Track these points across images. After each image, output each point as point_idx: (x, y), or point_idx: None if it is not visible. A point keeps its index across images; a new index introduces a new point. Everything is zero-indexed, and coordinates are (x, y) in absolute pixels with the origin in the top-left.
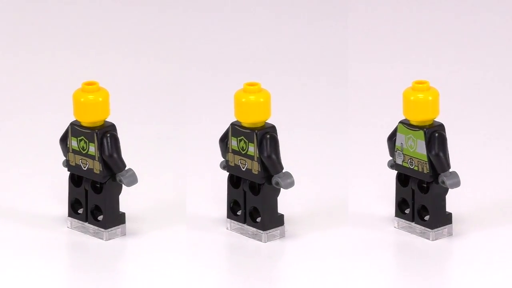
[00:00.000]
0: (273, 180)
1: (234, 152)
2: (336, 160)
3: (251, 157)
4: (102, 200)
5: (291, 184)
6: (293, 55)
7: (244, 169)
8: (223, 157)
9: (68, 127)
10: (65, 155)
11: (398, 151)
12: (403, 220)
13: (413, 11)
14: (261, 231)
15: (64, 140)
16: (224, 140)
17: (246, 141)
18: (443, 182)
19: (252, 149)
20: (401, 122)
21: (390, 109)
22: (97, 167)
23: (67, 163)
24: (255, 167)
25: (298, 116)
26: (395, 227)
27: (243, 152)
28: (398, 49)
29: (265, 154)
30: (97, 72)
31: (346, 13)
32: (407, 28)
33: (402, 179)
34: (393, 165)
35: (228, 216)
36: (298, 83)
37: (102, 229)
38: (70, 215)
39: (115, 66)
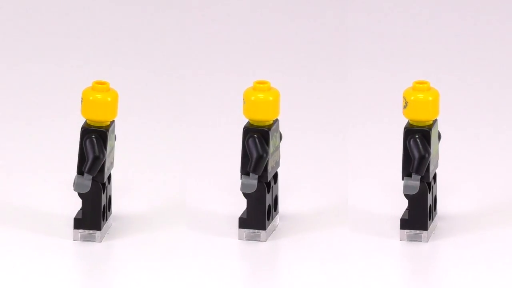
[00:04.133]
0: None
1: (271, 155)
2: (336, 159)
3: (277, 147)
4: (110, 186)
5: None
6: (291, 55)
7: (274, 164)
8: (260, 173)
9: (105, 136)
10: (95, 173)
11: (431, 159)
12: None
13: (414, 10)
14: (277, 215)
15: (101, 156)
16: (266, 153)
17: (276, 134)
18: None
19: (277, 139)
20: (430, 129)
21: (391, 109)
22: (113, 155)
23: (103, 174)
24: (279, 154)
25: (298, 116)
26: (425, 242)
27: (274, 148)
28: (398, 49)
29: (281, 135)
30: (103, 73)
31: (346, 12)
32: (408, 28)
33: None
34: (417, 187)
35: (266, 227)
36: (298, 83)
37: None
38: (101, 227)
39: (121, 66)
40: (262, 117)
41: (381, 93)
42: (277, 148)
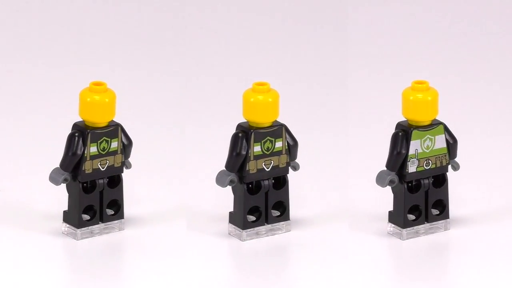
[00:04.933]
0: (291, 165)
1: (257, 157)
2: (336, 160)
3: (278, 153)
4: (120, 191)
5: None
6: (291, 56)
7: (269, 169)
8: (234, 171)
9: (85, 136)
10: (69, 170)
11: (412, 159)
12: (412, 228)
13: (413, 10)
14: (285, 222)
15: (77, 153)
16: (239, 153)
17: (272, 139)
18: (455, 167)
19: (279, 144)
20: (412, 129)
21: (390, 109)
22: (118, 160)
23: (81, 174)
24: (283, 160)
25: (298, 117)
26: (402, 239)
27: (268, 152)
28: (398, 49)
29: (295, 142)
30: (103, 73)
31: (346, 13)
32: (407, 28)
33: (411, 187)
34: (394, 181)
35: (245, 227)
36: (297, 83)
37: (118, 220)
38: (80, 225)
39: (120, 66)
40: (260, 119)
41: (381, 93)
42: (276, 154)
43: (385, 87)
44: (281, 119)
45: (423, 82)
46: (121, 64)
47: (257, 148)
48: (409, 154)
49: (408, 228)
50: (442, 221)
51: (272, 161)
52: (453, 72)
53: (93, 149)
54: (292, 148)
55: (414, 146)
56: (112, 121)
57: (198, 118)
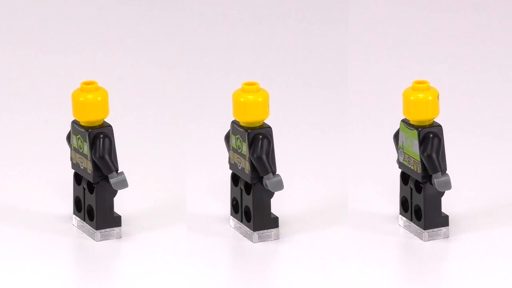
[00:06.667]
0: (263, 181)
1: (234, 150)
2: (335, 160)
3: (244, 156)
4: (94, 200)
5: (278, 186)
6: (292, 55)
7: (239, 168)
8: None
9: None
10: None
11: (400, 149)
12: (405, 219)
13: (413, 10)
14: (252, 231)
15: (68, 138)
16: (227, 138)
17: (241, 140)
18: (434, 183)
19: (245, 148)
20: (403, 120)
21: (390, 109)
22: (89, 167)
23: (71, 160)
24: (247, 167)
25: (297, 116)
26: (399, 225)
27: (239, 151)
28: (398, 49)
29: (255, 155)
30: (96, 72)
31: (346, 12)
32: (407, 28)
33: (403, 177)
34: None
35: (231, 214)
36: (297, 83)
37: (94, 230)
38: (74, 212)
39: (114, 66)
40: (248, 118)
41: (381, 93)
42: (243, 156)
43: (385, 87)
44: (281, 120)
45: (423, 82)
46: (112, 65)
47: (233, 141)
48: (399, 143)
49: (404, 219)
50: (418, 228)
51: (240, 161)
52: (453, 71)
53: (74, 141)
54: (253, 161)
55: (401, 137)
56: (105, 122)
57: (195, 118)
